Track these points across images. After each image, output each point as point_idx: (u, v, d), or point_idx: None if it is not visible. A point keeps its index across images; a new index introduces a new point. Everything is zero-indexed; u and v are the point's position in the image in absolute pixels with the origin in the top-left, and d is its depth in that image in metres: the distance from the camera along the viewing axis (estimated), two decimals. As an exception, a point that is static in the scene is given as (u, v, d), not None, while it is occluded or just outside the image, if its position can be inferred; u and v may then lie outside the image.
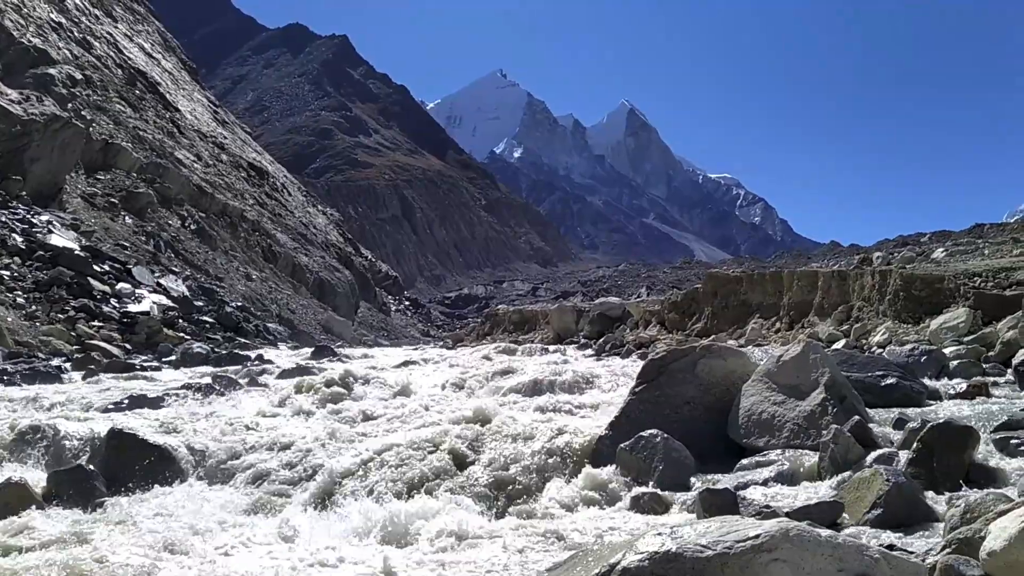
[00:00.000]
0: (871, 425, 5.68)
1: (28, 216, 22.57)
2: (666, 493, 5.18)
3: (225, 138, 50.93)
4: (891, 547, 3.39)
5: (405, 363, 13.72)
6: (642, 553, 2.77)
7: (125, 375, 12.55)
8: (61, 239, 21.75)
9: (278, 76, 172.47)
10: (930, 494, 4.43)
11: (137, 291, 21.13)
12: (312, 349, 19.40)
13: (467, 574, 4.15)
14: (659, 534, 2.85)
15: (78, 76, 34.81)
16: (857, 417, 5.59)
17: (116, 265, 22.36)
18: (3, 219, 21.29)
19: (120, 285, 20.82)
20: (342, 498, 5.76)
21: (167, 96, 45.32)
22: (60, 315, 17.11)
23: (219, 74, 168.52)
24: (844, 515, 4.31)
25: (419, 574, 4.18)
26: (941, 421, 4.91)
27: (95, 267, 20.76)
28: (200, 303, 24.25)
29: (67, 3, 40.78)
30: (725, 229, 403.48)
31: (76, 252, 20.90)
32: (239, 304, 28.78)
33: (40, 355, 14.21)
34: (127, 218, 29.88)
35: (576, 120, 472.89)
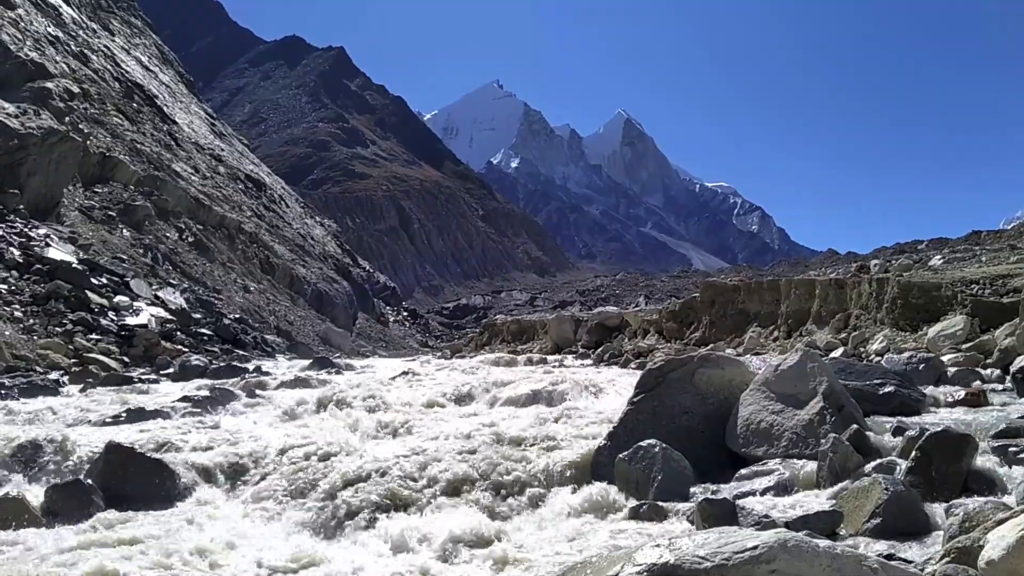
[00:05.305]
0: (869, 434, 5.68)
1: (25, 230, 22.54)
2: (665, 503, 5.17)
3: (222, 150, 50.95)
4: (890, 556, 3.39)
5: (403, 374, 13.70)
6: (640, 565, 2.77)
7: (123, 388, 12.50)
8: (59, 252, 21.71)
9: (275, 88, 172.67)
10: (929, 503, 4.43)
11: (135, 304, 21.08)
12: (310, 360, 19.36)
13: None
14: (657, 546, 2.84)
15: (75, 89, 34.83)
16: (855, 426, 5.59)
17: (114, 278, 22.30)
18: (0, 233, 21.28)
19: (118, 298, 20.77)
20: (340, 511, 5.74)
21: (164, 109, 45.34)
22: (58, 329, 17.07)
23: (216, 87, 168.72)
24: (843, 525, 4.31)
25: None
26: (939, 429, 4.92)
27: (93, 280, 20.70)
28: (198, 315, 24.20)
29: (64, 17, 40.85)
30: (722, 238, 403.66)
31: (74, 265, 20.86)
32: (237, 316, 28.74)
33: (38, 369, 14.17)
34: (125, 231, 29.86)
35: (573, 130, 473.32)
